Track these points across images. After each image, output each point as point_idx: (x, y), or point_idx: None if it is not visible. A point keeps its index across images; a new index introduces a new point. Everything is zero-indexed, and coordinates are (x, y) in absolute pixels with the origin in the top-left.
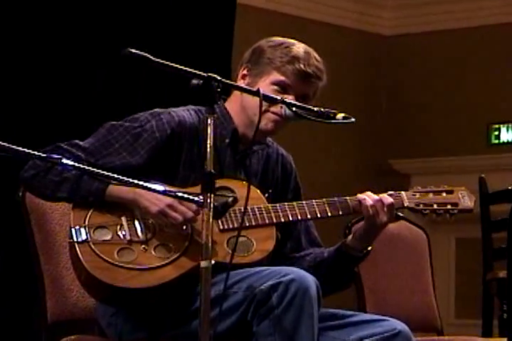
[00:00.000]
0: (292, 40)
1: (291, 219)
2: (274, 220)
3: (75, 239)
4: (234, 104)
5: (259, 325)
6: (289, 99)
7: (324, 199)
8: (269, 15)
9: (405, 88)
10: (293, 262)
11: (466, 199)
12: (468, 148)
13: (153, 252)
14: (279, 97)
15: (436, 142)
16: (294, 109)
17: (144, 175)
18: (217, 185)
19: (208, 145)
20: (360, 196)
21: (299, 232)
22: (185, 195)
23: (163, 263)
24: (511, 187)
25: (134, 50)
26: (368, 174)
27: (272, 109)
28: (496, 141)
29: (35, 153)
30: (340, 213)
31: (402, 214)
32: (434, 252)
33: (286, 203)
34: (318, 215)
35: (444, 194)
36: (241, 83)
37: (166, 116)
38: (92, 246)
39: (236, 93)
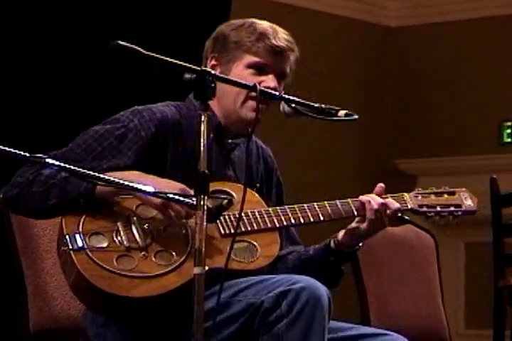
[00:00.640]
0: (251, 19)
1: (293, 222)
2: (277, 224)
3: (70, 247)
4: None
5: (266, 334)
6: (269, 78)
7: (326, 202)
8: (268, 5)
9: (412, 83)
10: (275, 262)
11: (469, 201)
12: (479, 147)
13: (154, 259)
14: (276, 93)
15: (445, 141)
16: (293, 105)
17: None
18: (212, 188)
19: (202, 144)
20: (363, 198)
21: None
22: (177, 197)
23: (166, 270)
24: None
25: (123, 43)
26: (372, 175)
27: (252, 94)
28: (509, 140)
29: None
30: (344, 216)
31: (408, 218)
32: (442, 257)
33: (287, 206)
34: (321, 218)
35: (446, 195)
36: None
37: (147, 113)
38: (90, 254)
39: None
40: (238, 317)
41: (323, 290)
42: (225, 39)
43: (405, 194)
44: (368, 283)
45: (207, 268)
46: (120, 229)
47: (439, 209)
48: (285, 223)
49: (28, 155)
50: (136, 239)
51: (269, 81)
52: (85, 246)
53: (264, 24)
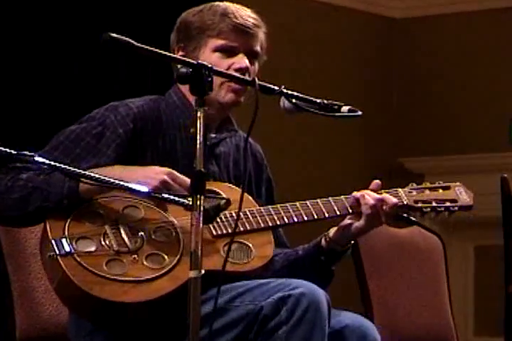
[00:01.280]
0: (212, 3)
1: (287, 221)
2: (270, 223)
3: (57, 252)
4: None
5: None
6: (239, 58)
7: (319, 200)
8: None
9: (418, 78)
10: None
11: (465, 195)
12: (488, 145)
13: (144, 262)
14: (276, 87)
15: (453, 138)
16: (293, 101)
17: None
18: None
19: (198, 142)
20: (357, 194)
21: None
22: (172, 197)
23: (158, 274)
24: None
25: (115, 35)
26: (376, 174)
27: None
28: None
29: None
30: (338, 213)
31: (415, 219)
32: (451, 261)
33: (279, 205)
34: (315, 216)
35: (441, 190)
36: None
37: (124, 108)
38: (78, 259)
39: None
40: (236, 324)
41: (322, 295)
42: (187, 26)
43: (399, 189)
44: (372, 288)
45: (203, 271)
46: (108, 232)
47: (434, 204)
48: (278, 222)
49: (14, 152)
50: (125, 242)
51: (240, 61)
52: (73, 251)
53: (222, 5)
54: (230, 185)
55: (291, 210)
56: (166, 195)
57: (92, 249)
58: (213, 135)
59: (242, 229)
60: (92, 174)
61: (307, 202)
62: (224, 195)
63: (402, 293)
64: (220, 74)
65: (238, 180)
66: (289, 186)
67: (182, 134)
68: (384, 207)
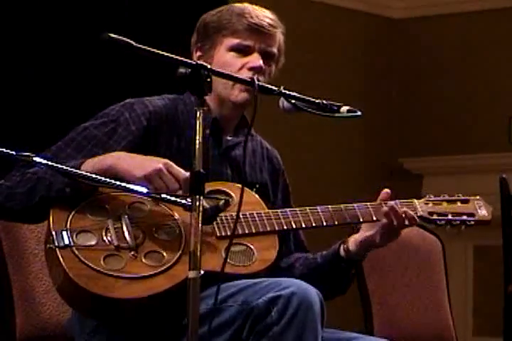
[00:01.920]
0: (232, 4)
1: (294, 226)
2: (276, 227)
3: (56, 244)
4: None
5: None
6: (254, 57)
7: (330, 206)
8: None
9: (418, 78)
10: (281, 270)
11: (483, 210)
12: (488, 146)
13: (143, 260)
14: (275, 88)
15: (453, 139)
16: (293, 101)
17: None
18: (211, 189)
19: (197, 142)
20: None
21: (287, 235)
22: (171, 197)
23: (154, 272)
24: None
25: (114, 35)
26: (375, 174)
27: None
28: None
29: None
30: (348, 221)
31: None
32: (450, 262)
33: (288, 209)
34: (324, 223)
35: (459, 203)
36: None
37: (139, 106)
38: (76, 252)
39: None
40: (230, 324)
41: (314, 294)
42: (205, 27)
43: (415, 200)
44: (372, 288)
45: (202, 272)
46: (110, 227)
47: (450, 217)
48: (285, 227)
49: (14, 153)
50: (125, 238)
51: (254, 60)
52: (72, 244)
53: (243, 5)
54: (240, 185)
55: (300, 215)
56: (164, 195)
57: (92, 242)
58: (229, 138)
59: (247, 231)
60: (89, 174)
61: (317, 208)
62: (234, 196)
63: (401, 293)
64: (218, 74)
65: (250, 182)
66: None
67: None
68: (406, 222)
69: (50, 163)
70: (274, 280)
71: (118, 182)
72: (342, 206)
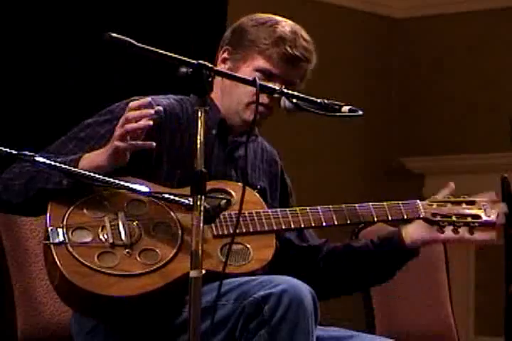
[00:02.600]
0: (277, 17)
1: (293, 226)
2: (275, 227)
3: (51, 240)
4: (217, 91)
5: None
6: (275, 85)
7: (331, 206)
8: None
9: (419, 78)
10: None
11: (489, 212)
12: (490, 145)
13: (137, 257)
14: (277, 87)
15: (454, 138)
16: (294, 100)
17: (125, 172)
18: (212, 187)
19: (198, 141)
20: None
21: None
22: (172, 197)
23: (148, 270)
24: None
25: (115, 35)
26: (376, 174)
27: (262, 99)
28: None
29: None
30: (348, 222)
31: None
32: (452, 261)
33: (288, 209)
34: (324, 223)
35: (464, 205)
36: (221, 68)
37: None
38: (70, 249)
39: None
40: (224, 322)
41: (306, 290)
42: (243, 34)
43: (418, 201)
44: (374, 290)
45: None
46: (106, 224)
47: (454, 219)
48: (284, 226)
49: (15, 152)
50: (121, 236)
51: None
52: (66, 241)
53: (286, 27)
54: (241, 184)
55: (299, 215)
56: (166, 195)
57: (87, 239)
58: (233, 138)
59: (244, 230)
60: (92, 174)
61: (318, 208)
62: (235, 195)
63: (402, 293)
64: (220, 74)
65: (252, 182)
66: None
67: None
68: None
69: (51, 162)
70: (267, 277)
71: (118, 181)
72: (343, 206)
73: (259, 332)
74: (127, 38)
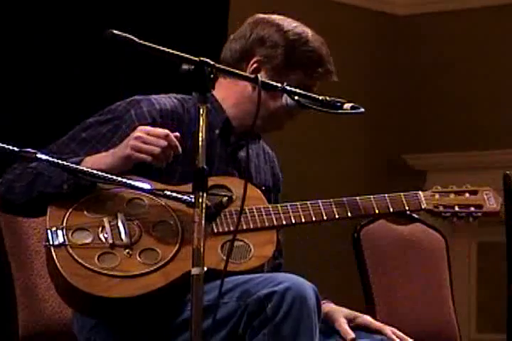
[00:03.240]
0: (303, 28)
1: (294, 221)
2: (275, 223)
3: (51, 242)
4: (224, 92)
5: (252, 339)
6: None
7: (331, 200)
8: None
9: (422, 74)
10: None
11: (492, 201)
12: (492, 142)
13: (138, 258)
14: (279, 85)
15: (456, 134)
16: (296, 98)
17: (128, 172)
18: (212, 183)
19: (200, 139)
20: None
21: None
22: (174, 194)
23: (149, 270)
24: None
25: (117, 32)
26: (378, 170)
27: (285, 118)
28: None
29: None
30: (349, 215)
31: (417, 216)
32: (453, 258)
33: (288, 204)
34: (325, 217)
35: (467, 195)
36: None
37: (145, 103)
38: (70, 251)
39: (224, 80)
40: (227, 320)
41: (309, 288)
42: (276, 49)
43: (420, 192)
44: (375, 284)
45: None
46: (106, 224)
47: (457, 209)
48: (284, 222)
49: (17, 149)
50: (121, 236)
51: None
52: (66, 242)
53: (316, 42)
54: (241, 180)
55: (300, 209)
56: (168, 193)
57: (87, 241)
58: (237, 139)
59: (244, 226)
60: (95, 171)
61: (318, 202)
62: (235, 191)
63: (404, 290)
64: (222, 71)
65: (256, 186)
66: (290, 182)
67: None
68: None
69: (53, 160)
70: (269, 275)
71: (120, 179)
72: (344, 199)
73: (263, 330)
74: (129, 35)
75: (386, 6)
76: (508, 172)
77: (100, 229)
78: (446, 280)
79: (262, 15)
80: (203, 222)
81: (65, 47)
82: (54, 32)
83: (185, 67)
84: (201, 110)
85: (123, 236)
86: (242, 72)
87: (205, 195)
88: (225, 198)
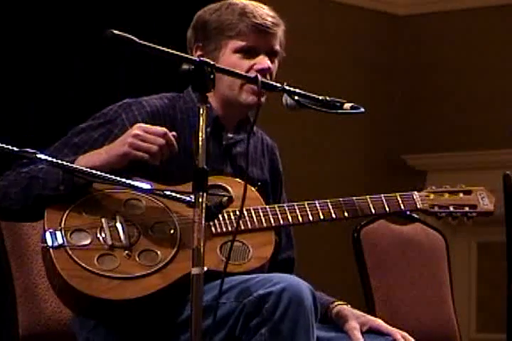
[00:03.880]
0: (229, 1)
1: (291, 222)
2: (273, 223)
3: (50, 244)
4: None
5: (249, 340)
6: (261, 59)
7: (328, 200)
8: None
9: (422, 75)
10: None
11: (486, 201)
12: (492, 142)
13: (137, 259)
14: (278, 85)
15: (456, 135)
16: (296, 98)
17: (123, 174)
18: (209, 183)
19: (200, 138)
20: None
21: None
22: (174, 194)
23: (148, 271)
24: None
25: (117, 32)
26: (378, 171)
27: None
28: None
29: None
30: (346, 215)
31: (417, 216)
32: (453, 258)
33: (285, 204)
34: (322, 217)
35: (461, 195)
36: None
37: (137, 106)
38: (69, 252)
39: None
40: (225, 321)
41: (305, 288)
42: (205, 26)
43: (415, 193)
44: (375, 284)
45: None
46: (105, 225)
47: (452, 209)
48: (282, 222)
49: (16, 149)
50: (120, 237)
51: (262, 62)
52: (65, 244)
53: (242, 3)
54: (239, 180)
55: (297, 210)
56: (167, 193)
57: (86, 242)
58: (231, 135)
59: (243, 227)
60: (93, 171)
61: (315, 202)
62: (232, 191)
63: (404, 290)
64: (222, 71)
65: (251, 179)
66: (290, 182)
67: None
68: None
69: (53, 159)
70: (266, 276)
71: (119, 179)
72: (340, 199)
73: (260, 331)
74: (129, 35)
75: (386, 6)
76: (508, 172)
77: (98, 230)
78: (446, 280)
79: None
80: (203, 222)
81: (65, 47)
82: (54, 32)
83: (185, 67)
84: (201, 110)
85: (122, 237)
86: (241, 72)
87: (205, 195)
88: (225, 198)
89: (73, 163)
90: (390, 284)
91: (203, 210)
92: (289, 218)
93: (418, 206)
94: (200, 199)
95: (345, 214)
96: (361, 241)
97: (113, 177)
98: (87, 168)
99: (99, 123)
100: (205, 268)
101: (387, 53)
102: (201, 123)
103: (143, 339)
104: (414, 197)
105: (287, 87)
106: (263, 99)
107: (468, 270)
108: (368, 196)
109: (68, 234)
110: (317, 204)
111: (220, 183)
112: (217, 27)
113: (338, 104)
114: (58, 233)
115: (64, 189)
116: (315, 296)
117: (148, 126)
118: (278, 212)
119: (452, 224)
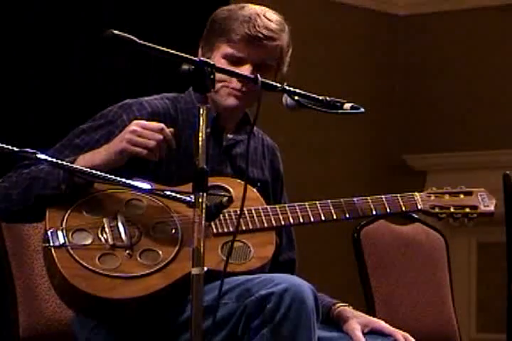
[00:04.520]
0: (248, 4)
1: (292, 222)
2: (274, 224)
3: (51, 243)
4: None
5: (250, 340)
6: (245, 69)
7: (329, 201)
8: None
9: (422, 75)
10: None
11: (487, 202)
12: (492, 142)
13: (138, 259)
14: (278, 85)
15: (456, 135)
16: (296, 98)
17: (123, 175)
18: (210, 184)
19: (200, 139)
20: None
21: (281, 231)
22: (174, 194)
23: (150, 271)
24: None
25: (117, 32)
26: (378, 171)
27: (230, 84)
28: None
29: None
30: (348, 216)
31: (416, 216)
32: (453, 258)
33: (286, 204)
34: (323, 218)
35: (462, 196)
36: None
37: (137, 107)
38: (71, 251)
39: None
40: (226, 321)
41: (307, 289)
42: (212, 27)
43: (416, 193)
44: (375, 285)
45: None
46: (106, 225)
47: (452, 210)
48: (283, 222)
49: (17, 149)
50: (121, 237)
51: (244, 71)
52: (67, 243)
53: (251, 10)
54: (239, 180)
55: (298, 210)
56: (167, 193)
57: (88, 242)
58: (230, 136)
59: (244, 228)
60: (94, 171)
61: (316, 203)
62: (232, 191)
63: (404, 290)
64: (222, 71)
65: (250, 180)
66: (291, 183)
67: (197, 135)
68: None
69: (53, 159)
70: (268, 276)
71: (119, 179)
72: (341, 200)
73: (262, 331)
74: (129, 35)
75: (386, 6)
76: (508, 172)
77: (100, 229)
78: (447, 280)
79: None
80: (203, 222)
81: (66, 47)
82: (54, 32)
83: (185, 67)
84: (201, 110)
85: (123, 237)
86: (242, 72)
87: (205, 195)
88: (225, 198)
89: (73, 163)
90: (390, 284)
91: (203, 210)
92: (290, 218)
93: (419, 207)
94: (200, 200)
95: (347, 214)
96: (361, 241)
97: (113, 177)
98: (87, 167)
99: (100, 124)
100: (205, 268)
101: (388, 54)
102: (201, 124)
103: (143, 339)
104: (416, 197)
105: (287, 87)
106: (245, 103)
107: (468, 270)
108: (369, 197)
109: (70, 234)
110: (318, 205)
111: (220, 184)
112: (218, 28)
113: (338, 104)
114: (60, 233)
115: (65, 188)
116: (317, 297)
117: (145, 121)
118: (279, 212)
119: (453, 225)
